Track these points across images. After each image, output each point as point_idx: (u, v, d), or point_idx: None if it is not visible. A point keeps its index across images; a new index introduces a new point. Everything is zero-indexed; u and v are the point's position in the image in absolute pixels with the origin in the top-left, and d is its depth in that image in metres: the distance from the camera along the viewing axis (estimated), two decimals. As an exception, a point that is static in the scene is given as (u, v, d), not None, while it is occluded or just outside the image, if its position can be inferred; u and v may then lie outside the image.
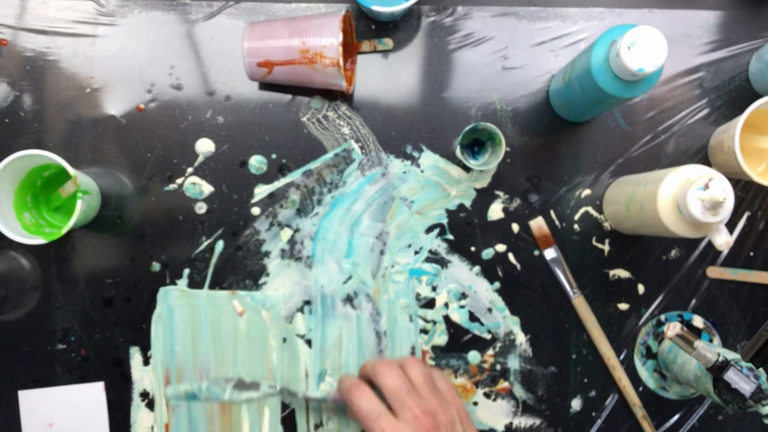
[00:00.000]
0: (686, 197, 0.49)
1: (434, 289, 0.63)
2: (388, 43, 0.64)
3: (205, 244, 0.63)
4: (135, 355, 0.63)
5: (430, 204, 0.64)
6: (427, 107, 0.65)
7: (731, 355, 0.54)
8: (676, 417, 0.64)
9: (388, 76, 0.65)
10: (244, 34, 0.59)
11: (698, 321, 0.63)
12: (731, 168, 0.59)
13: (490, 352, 0.64)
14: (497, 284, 0.64)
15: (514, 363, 0.64)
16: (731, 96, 0.65)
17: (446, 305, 0.63)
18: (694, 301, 0.64)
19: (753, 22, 0.65)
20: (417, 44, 0.65)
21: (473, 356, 0.64)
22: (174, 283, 0.63)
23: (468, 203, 0.64)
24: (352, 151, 0.64)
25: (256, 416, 0.62)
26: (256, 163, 0.64)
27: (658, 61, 0.49)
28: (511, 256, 0.64)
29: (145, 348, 0.63)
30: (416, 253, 0.64)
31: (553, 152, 0.65)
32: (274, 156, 0.64)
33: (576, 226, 0.65)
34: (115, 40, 0.64)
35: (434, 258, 0.64)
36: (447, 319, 0.63)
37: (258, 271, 0.63)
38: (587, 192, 0.65)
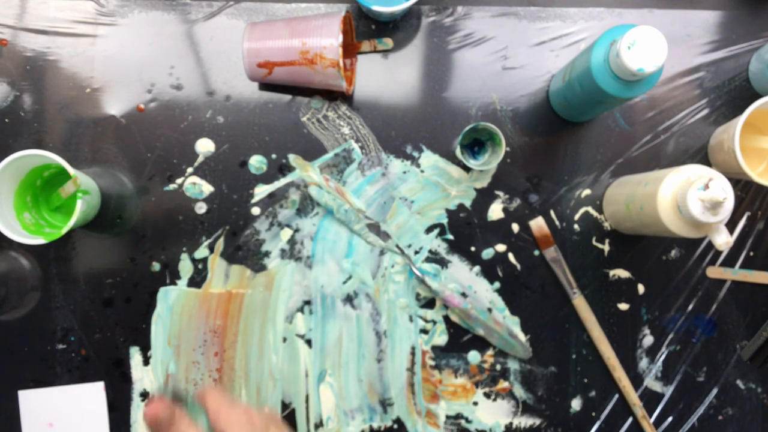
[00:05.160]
0: (686, 197, 0.49)
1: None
2: (388, 43, 0.64)
3: (205, 244, 0.63)
4: (135, 355, 0.63)
5: (430, 204, 0.64)
6: (427, 107, 0.65)
7: None
8: (676, 417, 0.64)
9: (388, 76, 0.65)
10: (244, 35, 0.59)
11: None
12: (731, 168, 0.59)
13: (490, 352, 0.64)
14: (497, 284, 0.64)
15: (514, 363, 0.64)
16: (731, 96, 0.65)
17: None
18: (694, 301, 0.64)
19: (753, 22, 0.65)
20: (417, 44, 0.65)
21: (473, 356, 0.64)
22: (174, 283, 0.63)
23: (468, 203, 0.64)
24: (352, 151, 0.64)
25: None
26: (256, 163, 0.64)
27: (658, 61, 0.49)
28: (511, 256, 0.64)
29: (145, 348, 0.63)
30: (416, 253, 0.64)
31: (553, 152, 0.65)
32: (274, 156, 0.64)
33: (576, 226, 0.65)
34: (115, 40, 0.64)
35: (434, 258, 0.64)
36: (447, 319, 0.63)
37: (258, 271, 0.63)
38: (587, 192, 0.65)
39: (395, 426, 0.63)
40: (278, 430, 0.48)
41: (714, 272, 0.64)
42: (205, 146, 0.64)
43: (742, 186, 0.65)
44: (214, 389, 0.50)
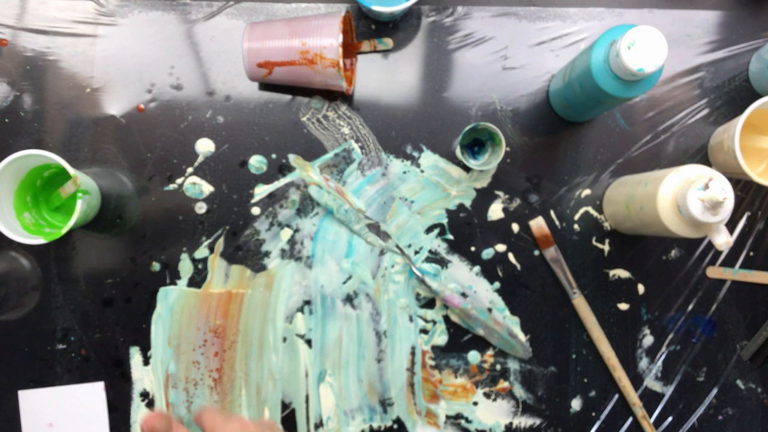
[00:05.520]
0: (686, 197, 0.49)
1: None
2: (388, 43, 0.64)
3: (205, 244, 0.63)
4: (135, 355, 0.63)
5: (430, 204, 0.64)
6: (427, 107, 0.65)
7: None
8: (676, 417, 0.64)
9: (388, 76, 0.65)
10: (244, 35, 0.59)
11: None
12: (731, 168, 0.59)
13: (490, 352, 0.64)
14: (497, 284, 0.64)
15: (514, 363, 0.64)
16: (731, 96, 0.65)
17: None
18: (694, 301, 0.64)
19: (753, 22, 0.65)
20: (417, 44, 0.65)
21: (473, 356, 0.64)
22: (174, 283, 0.63)
23: (468, 203, 0.64)
24: (352, 151, 0.64)
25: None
26: (256, 163, 0.64)
27: (658, 61, 0.49)
28: (511, 256, 0.64)
29: (145, 348, 0.63)
30: (416, 253, 0.64)
31: (553, 152, 0.65)
32: (274, 156, 0.64)
33: (576, 226, 0.65)
34: (115, 40, 0.64)
35: (434, 258, 0.64)
36: (447, 319, 0.63)
37: (258, 271, 0.63)
38: (587, 192, 0.65)
39: (395, 426, 0.63)
40: None
41: (714, 272, 0.64)
42: (205, 146, 0.64)
43: (742, 186, 0.65)
44: (211, 408, 0.50)
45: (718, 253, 0.64)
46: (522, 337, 0.64)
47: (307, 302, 0.63)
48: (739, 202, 0.64)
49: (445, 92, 0.65)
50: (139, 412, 0.63)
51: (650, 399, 0.64)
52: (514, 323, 0.64)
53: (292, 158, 0.62)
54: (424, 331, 0.64)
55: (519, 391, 0.64)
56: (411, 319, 0.64)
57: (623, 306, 0.64)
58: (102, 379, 0.63)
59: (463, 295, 0.64)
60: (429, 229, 0.64)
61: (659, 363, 0.64)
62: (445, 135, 0.64)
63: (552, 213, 0.64)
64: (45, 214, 0.62)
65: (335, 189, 0.61)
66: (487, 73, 0.65)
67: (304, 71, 0.59)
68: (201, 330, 0.63)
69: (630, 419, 0.64)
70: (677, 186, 0.51)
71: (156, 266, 0.63)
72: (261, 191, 0.64)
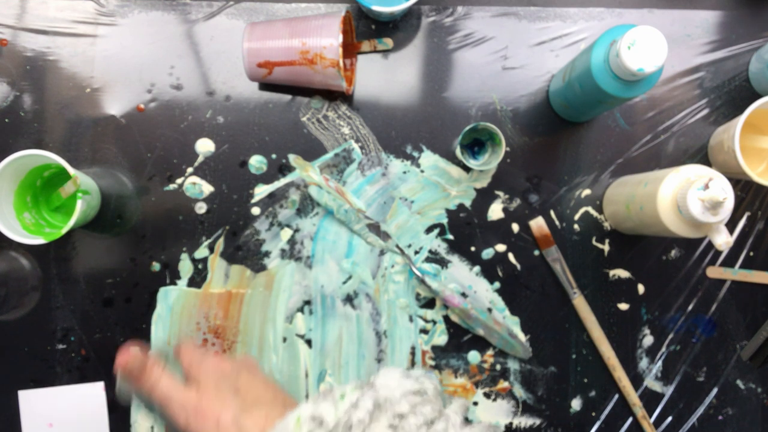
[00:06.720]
0: (686, 197, 0.49)
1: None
2: (388, 43, 0.64)
3: (205, 244, 0.63)
4: (135, 355, 0.63)
5: (430, 204, 0.64)
6: (427, 107, 0.65)
7: None
8: (676, 417, 0.64)
9: (388, 76, 0.65)
10: (244, 35, 0.59)
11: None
12: (731, 168, 0.59)
13: (490, 352, 0.64)
14: (497, 284, 0.64)
15: (514, 363, 0.64)
16: (731, 96, 0.65)
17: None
18: (694, 301, 0.64)
19: (753, 22, 0.65)
20: (417, 44, 0.65)
21: (473, 356, 0.64)
22: (174, 283, 0.63)
23: (468, 203, 0.64)
24: (352, 151, 0.64)
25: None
26: (256, 163, 0.64)
27: (658, 61, 0.49)
28: (511, 256, 0.64)
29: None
30: (416, 253, 0.64)
31: (553, 152, 0.65)
32: (274, 156, 0.64)
33: (576, 226, 0.65)
34: (115, 40, 0.64)
35: (434, 258, 0.64)
36: (447, 319, 0.63)
37: (258, 271, 0.63)
38: (587, 192, 0.65)
39: (395, 426, 0.63)
40: (250, 375, 0.47)
41: (714, 272, 0.64)
42: (205, 146, 0.64)
43: (742, 186, 0.65)
44: (189, 343, 0.50)
45: (718, 253, 0.64)
46: (522, 337, 0.64)
47: (307, 302, 0.63)
48: (739, 202, 0.64)
49: (445, 92, 0.65)
50: (139, 412, 0.63)
51: (650, 399, 0.64)
52: (514, 323, 0.64)
53: (292, 158, 0.62)
54: (424, 331, 0.64)
55: (519, 391, 0.64)
56: (411, 319, 0.64)
57: (623, 306, 0.64)
58: (102, 379, 0.63)
59: (463, 295, 0.64)
60: (429, 229, 0.64)
61: (659, 363, 0.64)
62: (445, 135, 0.64)
63: (552, 213, 0.64)
64: (45, 214, 0.62)
65: (335, 189, 0.61)
66: (487, 73, 0.65)
67: (304, 71, 0.59)
68: (201, 330, 0.63)
69: (630, 419, 0.64)
70: (677, 186, 0.51)
71: (156, 266, 0.63)
72: (261, 191, 0.64)
